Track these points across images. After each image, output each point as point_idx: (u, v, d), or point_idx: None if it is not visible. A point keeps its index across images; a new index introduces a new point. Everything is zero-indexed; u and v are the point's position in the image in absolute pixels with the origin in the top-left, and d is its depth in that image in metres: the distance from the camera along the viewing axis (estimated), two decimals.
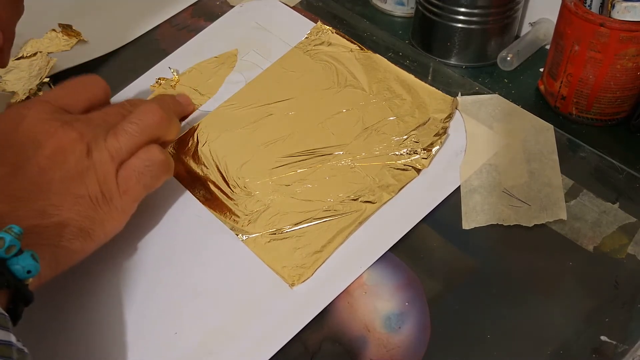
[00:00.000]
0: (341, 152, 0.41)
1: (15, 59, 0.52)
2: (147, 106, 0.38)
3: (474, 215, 0.38)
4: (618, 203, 0.38)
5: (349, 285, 0.35)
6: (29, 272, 0.28)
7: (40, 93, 0.50)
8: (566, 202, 0.38)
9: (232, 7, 0.55)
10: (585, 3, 0.44)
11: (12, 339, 0.25)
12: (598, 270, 0.35)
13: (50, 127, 0.34)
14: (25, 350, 0.26)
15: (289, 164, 0.41)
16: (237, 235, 0.38)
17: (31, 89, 0.49)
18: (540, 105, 0.50)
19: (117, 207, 0.35)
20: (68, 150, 0.34)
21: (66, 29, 0.54)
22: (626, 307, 0.34)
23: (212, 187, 0.41)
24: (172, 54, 0.52)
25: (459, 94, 0.44)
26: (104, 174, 0.34)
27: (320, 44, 0.49)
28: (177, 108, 0.44)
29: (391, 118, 0.43)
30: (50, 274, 0.31)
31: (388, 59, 0.47)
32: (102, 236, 0.34)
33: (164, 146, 0.39)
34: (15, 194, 0.32)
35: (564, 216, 0.38)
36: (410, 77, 0.45)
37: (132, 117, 0.37)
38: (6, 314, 0.26)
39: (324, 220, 0.38)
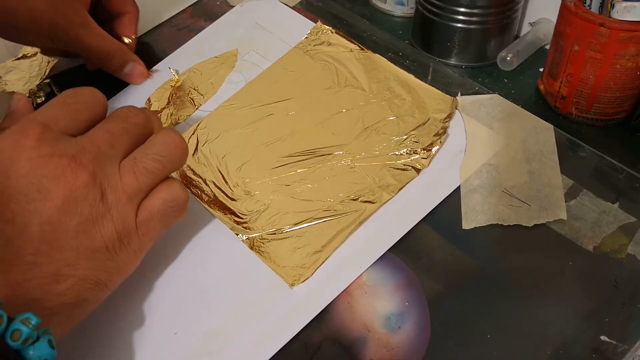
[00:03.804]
0: (341, 152, 0.42)
1: (15, 59, 0.52)
2: (169, 138, 0.33)
3: (474, 215, 0.38)
4: (618, 203, 0.38)
5: (349, 285, 0.36)
6: None
7: (41, 93, 0.50)
8: (566, 202, 0.38)
9: (232, 7, 0.55)
10: (585, 3, 0.44)
11: None
12: (598, 270, 0.35)
13: (55, 167, 0.29)
14: None
15: (289, 163, 0.41)
16: (237, 235, 0.38)
17: (31, 89, 0.49)
18: (540, 105, 0.50)
19: (135, 250, 0.32)
20: (80, 198, 0.29)
21: None
22: (626, 307, 0.34)
23: (212, 187, 0.41)
24: (172, 54, 0.52)
25: (459, 94, 0.44)
26: (121, 220, 0.31)
27: (320, 44, 0.49)
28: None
29: (391, 118, 0.43)
30: (66, 332, 0.30)
31: (388, 59, 0.47)
32: (118, 282, 0.32)
33: None
34: (24, 258, 0.27)
35: (564, 216, 0.38)
36: (410, 77, 0.45)
37: (153, 152, 0.32)
38: None
39: (324, 220, 0.38)
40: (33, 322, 0.25)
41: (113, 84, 0.51)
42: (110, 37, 0.47)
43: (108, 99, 0.48)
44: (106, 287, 0.31)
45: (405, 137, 0.42)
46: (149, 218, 0.32)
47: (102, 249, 0.30)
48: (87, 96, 0.33)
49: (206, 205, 0.40)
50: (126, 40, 0.49)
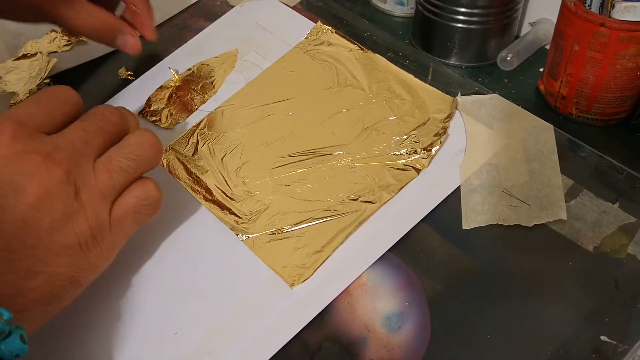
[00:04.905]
0: (341, 152, 0.42)
1: (15, 59, 0.52)
2: (144, 138, 0.33)
3: (474, 215, 0.38)
4: (618, 203, 0.38)
5: (349, 285, 0.36)
6: (17, 355, 0.25)
7: None
8: (566, 202, 0.38)
9: (232, 7, 0.55)
10: (585, 3, 0.44)
11: None
12: (598, 270, 0.35)
13: (30, 164, 0.29)
14: None
15: (289, 163, 0.41)
16: (237, 235, 0.38)
17: (31, 89, 0.49)
18: (540, 105, 0.50)
19: (108, 247, 0.32)
20: (54, 195, 0.29)
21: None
22: (626, 307, 0.34)
23: (212, 187, 0.41)
24: (172, 54, 0.52)
25: (459, 94, 0.44)
26: (95, 217, 0.31)
27: (320, 44, 0.49)
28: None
29: (391, 118, 0.43)
30: (37, 327, 0.30)
31: (388, 59, 0.47)
32: (91, 279, 0.32)
33: None
34: None
35: (564, 216, 0.38)
36: (410, 77, 0.45)
37: (128, 151, 0.33)
38: None
39: (324, 220, 0.38)
40: (5, 317, 0.25)
41: (114, 84, 0.51)
42: (97, 11, 0.45)
43: (109, 98, 0.49)
44: (79, 283, 0.31)
45: (405, 137, 0.42)
46: (123, 216, 0.32)
47: (75, 246, 0.30)
48: (62, 95, 0.33)
49: (206, 206, 0.40)
50: (133, 8, 0.46)
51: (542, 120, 0.43)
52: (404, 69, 0.46)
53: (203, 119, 0.45)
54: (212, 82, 0.48)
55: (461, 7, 0.50)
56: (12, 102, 0.49)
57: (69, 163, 0.30)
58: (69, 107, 0.33)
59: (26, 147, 0.29)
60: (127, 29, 0.47)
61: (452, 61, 0.54)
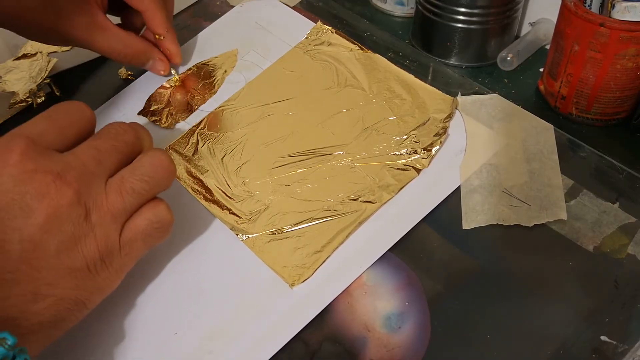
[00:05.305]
0: (341, 152, 0.42)
1: (16, 59, 0.52)
2: (157, 159, 0.32)
3: (474, 215, 0.38)
4: (618, 203, 0.38)
5: (349, 285, 0.36)
6: None
7: (41, 93, 0.50)
8: (566, 202, 0.38)
9: (232, 7, 0.55)
10: (585, 3, 0.44)
11: None
12: (598, 270, 0.35)
13: (40, 184, 0.28)
14: None
15: (289, 163, 0.41)
16: (237, 235, 0.38)
17: (31, 89, 0.49)
18: (540, 105, 0.50)
19: (117, 270, 0.31)
20: (63, 216, 0.28)
21: None
22: (626, 307, 0.34)
23: (212, 187, 0.41)
24: None
25: (459, 94, 0.44)
26: (104, 240, 0.30)
27: (320, 44, 0.49)
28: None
29: (391, 118, 0.43)
30: (42, 350, 0.29)
31: (388, 59, 0.47)
32: (98, 301, 0.31)
33: None
34: (3, 276, 0.27)
35: (564, 216, 0.38)
36: (410, 77, 0.45)
37: (141, 172, 0.32)
38: None
39: (324, 220, 0.38)
40: (9, 343, 0.24)
41: (114, 84, 0.51)
42: (128, 38, 0.45)
43: (110, 97, 0.49)
44: (85, 306, 0.30)
45: (405, 137, 0.42)
46: (133, 238, 0.31)
47: (83, 269, 0.29)
48: (74, 112, 0.32)
49: (206, 205, 0.40)
50: (157, 36, 0.47)
51: (542, 120, 0.43)
52: (404, 69, 0.46)
53: (203, 119, 0.45)
54: (212, 82, 0.48)
55: (461, 7, 0.50)
56: (12, 101, 0.49)
57: (79, 183, 0.29)
58: (81, 124, 0.32)
59: (36, 166, 0.28)
60: (157, 53, 0.48)
61: (452, 61, 0.54)
